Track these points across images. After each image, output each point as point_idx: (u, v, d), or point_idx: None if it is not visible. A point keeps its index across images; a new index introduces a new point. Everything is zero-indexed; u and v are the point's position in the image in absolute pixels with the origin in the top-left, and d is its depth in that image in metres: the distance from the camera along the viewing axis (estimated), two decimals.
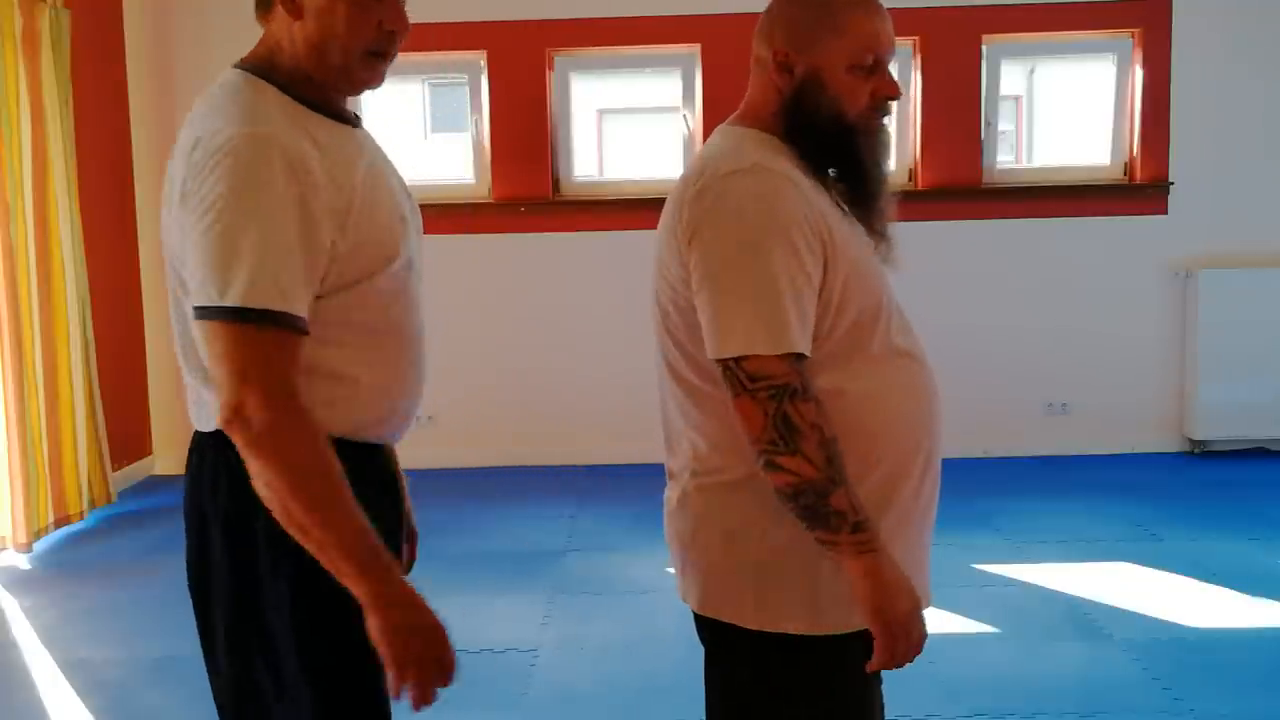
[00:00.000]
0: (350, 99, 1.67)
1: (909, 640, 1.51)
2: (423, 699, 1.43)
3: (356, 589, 1.39)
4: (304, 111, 1.51)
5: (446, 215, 5.62)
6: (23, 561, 4.43)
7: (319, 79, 1.54)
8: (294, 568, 1.46)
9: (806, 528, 1.48)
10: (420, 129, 14.53)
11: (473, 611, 3.81)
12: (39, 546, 4.54)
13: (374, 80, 1.59)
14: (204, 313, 1.39)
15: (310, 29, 1.50)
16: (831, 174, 1.63)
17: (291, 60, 1.53)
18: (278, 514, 1.39)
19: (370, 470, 1.59)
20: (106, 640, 3.62)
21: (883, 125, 1.63)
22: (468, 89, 5.78)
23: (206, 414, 1.52)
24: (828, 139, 1.59)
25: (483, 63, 5.65)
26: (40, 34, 4.58)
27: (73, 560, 4.44)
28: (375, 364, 1.56)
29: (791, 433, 1.45)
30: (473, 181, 5.79)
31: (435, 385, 6.07)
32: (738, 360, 1.47)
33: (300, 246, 1.40)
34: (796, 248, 1.49)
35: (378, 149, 1.65)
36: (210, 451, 1.52)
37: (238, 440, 1.38)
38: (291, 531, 1.39)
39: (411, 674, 1.41)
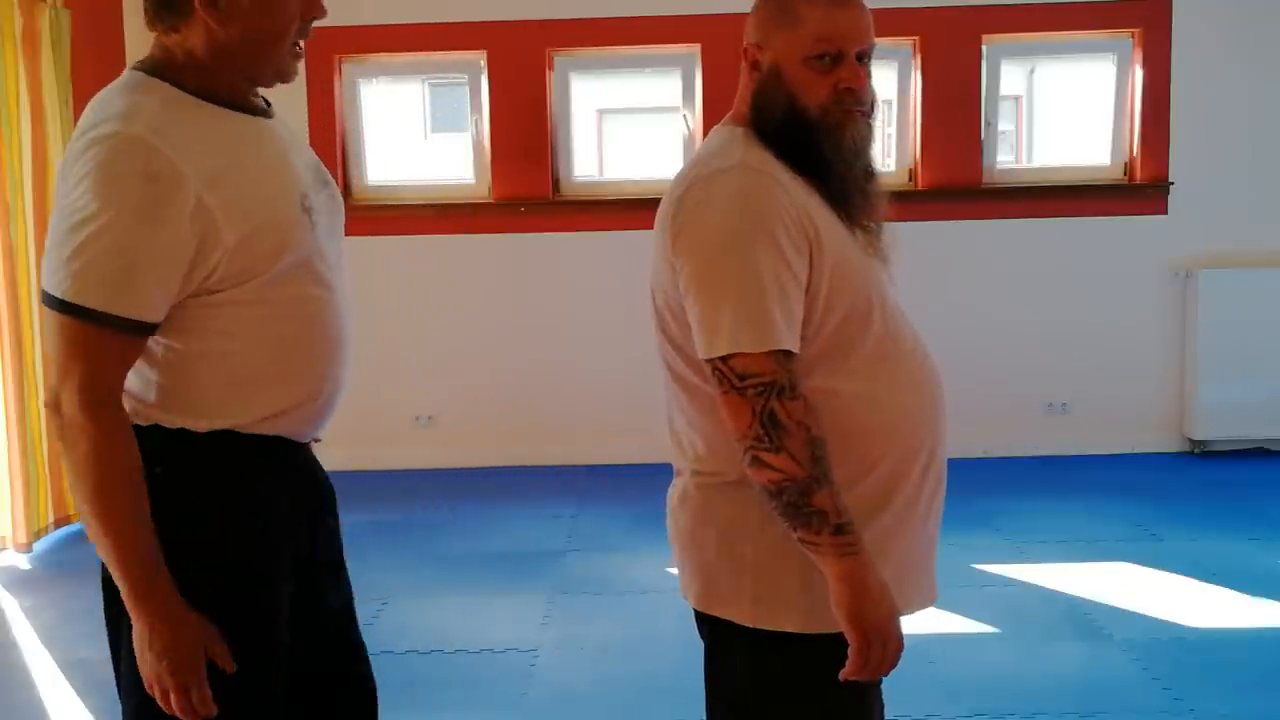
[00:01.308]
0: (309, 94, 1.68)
1: (885, 650, 1.49)
2: (179, 711, 1.47)
3: (123, 594, 1.47)
4: (196, 104, 1.52)
5: (446, 215, 5.62)
6: (23, 561, 4.43)
7: (235, 75, 1.55)
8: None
9: (789, 527, 1.48)
10: (420, 129, 14.53)
11: (473, 611, 3.81)
12: (39, 546, 4.54)
13: (293, 74, 1.60)
14: (43, 297, 1.45)
15: (236, 32, 1.50)
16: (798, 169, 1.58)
17: (200, 61, 1.52)
18: (76, 503, 1.47)
19: (268, 463, 1.61)
20: (106, 640, 3.61)
21: (857, 119, 1.58)
22: (468, 89, 5.77)
23: None
24: (787, 134, 1.57)
25: (483, 63, 5.65)
26: (40, 34, 4.58)
27: (73, 560, 4.43)
28: (275, 358, 1.57)
29: (777, 429, 1.44)
30: (473, 181, 5.79)
31: (434, 385, 6.07)
32: (725, 359, 1.47)
33: (147, 248, 1.41)
34: (780, 246, 1.48)
35: (290, 139, 1.66)
36: None
37: (51, 426, 1.48)
38: (83, 521, 1.48)
39: (159, 692, 1.48)
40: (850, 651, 1.48)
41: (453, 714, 3.11)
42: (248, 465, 1.58)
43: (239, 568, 1.57)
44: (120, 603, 1.54)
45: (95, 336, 1.41)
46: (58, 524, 4.68)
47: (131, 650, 1.54)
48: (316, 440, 1.73)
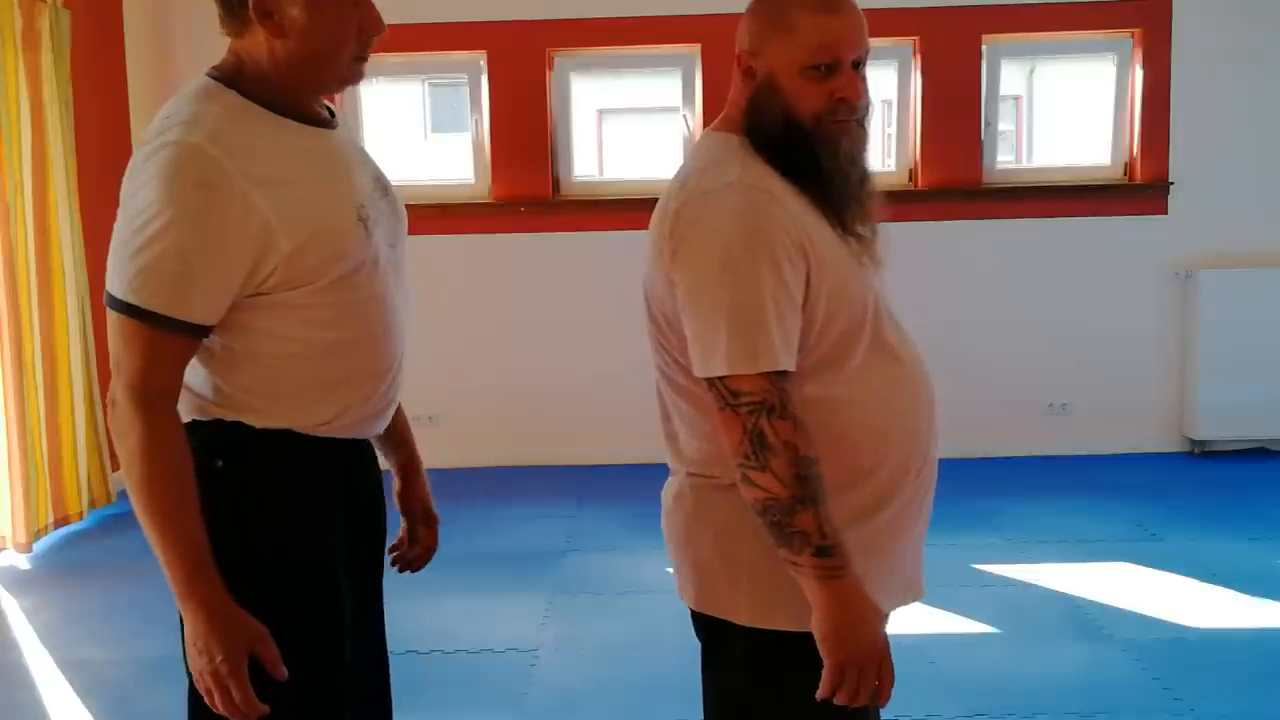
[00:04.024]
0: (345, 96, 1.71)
1: (861, 677, 1.47)
2: (223, 709, 1.48)
3: (174, 588, 1.48)
4: (259, 113, 1.55)
5: (446, 215, 5.62)
6: (23, 561, 4.43)
7: (297, 87, 1.58)
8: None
9: (775, 545, 1.48)
10: (420, 129, 14.53)
11: (473, 611, 3.81)
12: (39, 546, 4.54)
13: (358, 80, 1.64)
14: (105, 298, 1.51)
15: (294, 46, 1.54)
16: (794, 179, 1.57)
17: (264, 71, 1.56)
18: (130, 495, 1.50)
19: (322, 463, 1.64)
20: (106, 640, 3.62)
21: (852, 128, 1.56)
22: (468, 89, 5.78)
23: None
24: (783, 144, 1.55)
25: (483, 63, 5.65)
26: (40, 34, 4.58)
27: (73, 560, 4.44)
28: (327, 363, 1.60)
29: (764, 449, 1.45)
30: (473, 181, 5.79)
31: (435, 385, 6.08)
32: (721, 377, 1.48)
33: (202, 253, 1.46)
34: (778, 264, 1.48)
35: (352, 149, 1.69)
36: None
37: (109, 419, 1.51)
38: (136, 515, 1.49)
39: (202, 688, 1.48)
40: (824, 672, 1.48)
41: (453, 714, 3.11)
42: (304, 463, 1.61)
43: (297, 564, 1.61)
44: None
45: (150, 336, 1.47)
46: (58, 524, 4.68)
47: None
48: (376, 435, 1.77)
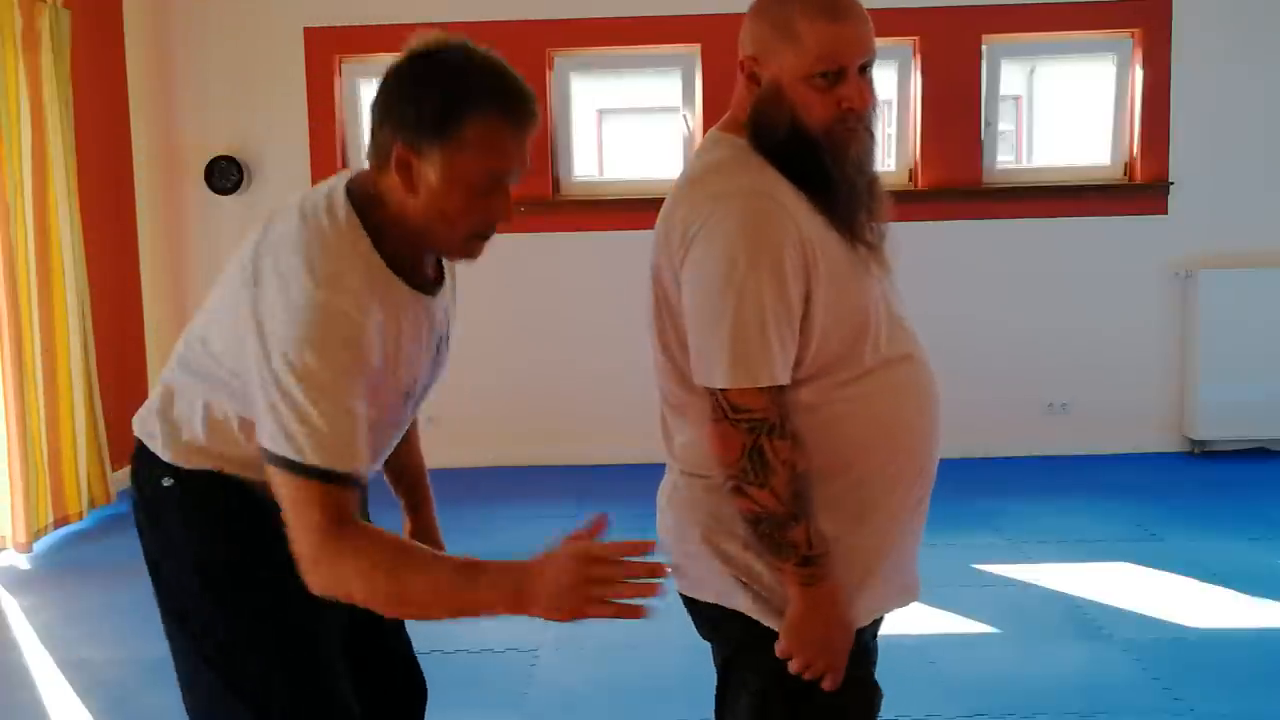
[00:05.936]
0: None
1: (810, 665, 1.56)
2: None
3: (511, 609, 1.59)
4: (384, 273, 1.53)
5: None
6: (23, 561, 4.43)
7: (413, 240, 1.55)
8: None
9: (763, 551, 1.54)
10: None
11: None
12: (39, 546, 4.54)
13: (473, 257, 1.60)
14: (272, 458, 1.48)
15: (421, 205, 1.50)
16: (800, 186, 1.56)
17: (393, 214, 1.53)
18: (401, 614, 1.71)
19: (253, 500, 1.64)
20: (106, 640, 3.62)
21: (860, 135, 1.55)
22: None
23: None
24: (790, 151, 1.54)
25: None
26: (40, 34, 4.58)
27: (73, 560, 4.44)
28: None
29: (764, 467, 1.47)
30: None
31: (435, 385, 5.90)
32: (722, 389, 1.49)
33: (353, 416, 1.46)
34: (782, 278, 1.48)
35: (437, 318, 1.68)
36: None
37: (314, 586, 1.52)
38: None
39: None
40: (776, 648, 1.56)
41: (453, 714, 3.10)
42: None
43: (256, 577, 1.66)
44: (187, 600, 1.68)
45: (322, 491, 1.45)
46: (58, 524, 4.68)
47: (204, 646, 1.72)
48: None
